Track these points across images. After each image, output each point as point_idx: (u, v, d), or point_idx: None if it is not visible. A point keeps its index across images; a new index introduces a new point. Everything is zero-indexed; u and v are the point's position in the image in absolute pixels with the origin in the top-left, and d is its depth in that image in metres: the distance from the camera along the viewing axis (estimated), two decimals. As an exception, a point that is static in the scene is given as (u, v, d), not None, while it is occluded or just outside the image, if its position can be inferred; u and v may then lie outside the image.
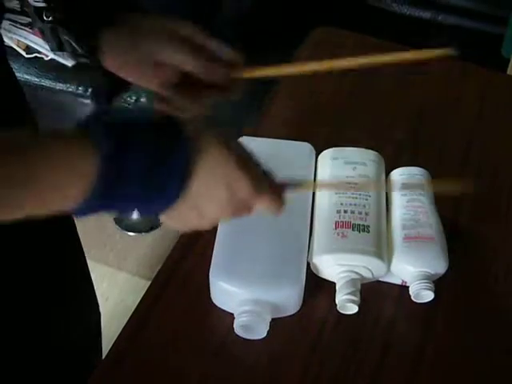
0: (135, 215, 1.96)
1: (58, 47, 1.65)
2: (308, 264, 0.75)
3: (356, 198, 0.78)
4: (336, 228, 0.75)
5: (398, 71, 1.09)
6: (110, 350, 0.73)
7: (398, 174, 0.84)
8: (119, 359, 0.72)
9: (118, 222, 1.94)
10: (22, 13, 1.70)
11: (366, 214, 0.76)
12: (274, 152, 0.85)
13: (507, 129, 1.00)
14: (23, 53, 1.67)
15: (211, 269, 0.73)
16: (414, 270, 0.75)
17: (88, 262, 0.99)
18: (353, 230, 0.75)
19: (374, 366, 0.72)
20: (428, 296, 0.74)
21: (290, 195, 0.64)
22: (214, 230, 0.77)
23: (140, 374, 0.71)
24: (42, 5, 1.60)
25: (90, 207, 0.52)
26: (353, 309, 0.72)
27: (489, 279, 0.81)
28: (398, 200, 0.81)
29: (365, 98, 1.04)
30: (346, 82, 1.06)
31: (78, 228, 0.94)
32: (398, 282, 0.78)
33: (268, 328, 0.71)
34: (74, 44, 1.61)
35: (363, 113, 1.01)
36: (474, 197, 0.88)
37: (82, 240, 0.96)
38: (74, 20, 0.77)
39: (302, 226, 0.78)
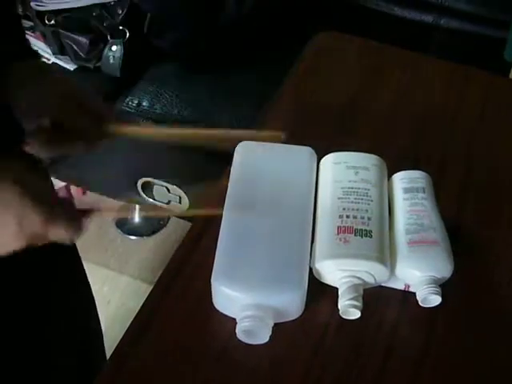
0: (137, 219, 1.97)
1: (60, 51, 1.65)
2: (310, 269, 0.75)
3: (358, 202, 0.78)
4: (338, 233, 0.75)
5: (401, 76, 1.09)
6: (111, 355, 0.73)
7: (399, 178, 0.84)
8: (121, 364, 0.72)
9: (119, 225, 1.95)
10: (24, 17, 1.70)
11: (369, 218, 0.76)
12: (275, 156, 0.86)
13: (509, 132, 1.00)
14: (25, 56, 1.67)
15: (213, 274, 0.73)
16: (420, 275, 0.75)
17: (89, 265, 1.00)
18: (355, 235, 0.75)
19: (376, 371, 0.72)
20: (435, 300, 0.74)
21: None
22: (216, 235, 0.77)
23: (142, 378, 0.71)
24: (44, 9, 1.60)
25: None
26: (355, 314, 0.72)
27: (492, 283, 0.81)
28: (401, 204, 0.81)
29: (367, 102, 1.04)
30: (348, 86, 1.06)
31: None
32: (401, 287, 0.78)
33: (270, 333, 0.71)
34: (75, 47, 1.61)
35: (365, 117, 1.01)
36: (477, 200, 0.89)
37: (83, 244, 0.95)
38: None
39: (305, 230, 0.78)
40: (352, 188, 0.80)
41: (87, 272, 1.02)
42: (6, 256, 0.70)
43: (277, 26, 1.70)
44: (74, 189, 1.94)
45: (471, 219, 0.87)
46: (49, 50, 1.66)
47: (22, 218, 0.60)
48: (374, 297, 0.76)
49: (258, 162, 0.85)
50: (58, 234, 0.64)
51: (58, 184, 1.82)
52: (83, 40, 1.60)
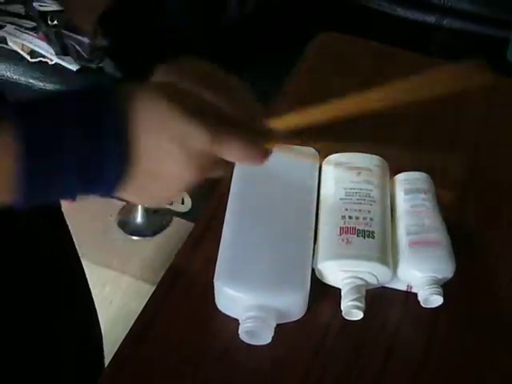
0: (139, 219, 1.97)
1: (63, 51, 1.65)
2: (313, 270, 0.75)
3: (361, 203, 0.78)
4: (340, 234, 0.75)
5: (403, 77, 1.09)
6: (114, 355, 0.73)
7: (401, 180, 0.84)
8: (123, 364, 0.72)
9: (121, 225, 1.95)
10: (27, 17, 1.71)
11: (371, 219, 0.76)
12: (277, 157, 0.85)
13: (512, 133, 1.00)
14: (28, 57, 1.67)
15: (216, 274, 0.73)
16: (421, 276, 0.75)
17: (91, 265, 1.00)
18: (357, 235, 0.75)
19: (378, 372, 0.72)
20: (437, 301, 0.74)
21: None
22: (219, 235, 0.77)
23: (144, 378, 0.71)
24: (47, 9, 1.61)
25: (23, 202, 0.48)
26: (358, 315, 0.72)
27: (493, 283, 0.81)
28: (403, 205, 0.81)
29: (370, 103, 1.04)
30: (349, 87, 1.05)
31: (81, 231, 0.94)
32: (403, 287, 0.78)
33: (273, 334, 0.71)
34: (77, 48, 1.61)
35: (367, 118, 1.01)
36: (478, 201, 0.89)
37: (85, 243, 0.96)
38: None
39: (307, 231, 0.78)
40: (354, 189, 0.80)
41: (89, 272, 1.02)
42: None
43: (278, 26, 1.70)
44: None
45: (472, 220, 0.87)
46: (51, 51, 1.66)
47: (185, 137, 0.49)
48: (376, 298, 0.76)
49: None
50: (233, 153, 0.52)
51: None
52: (86, 40, 1.60)
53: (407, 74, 1.09)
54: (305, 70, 1.10)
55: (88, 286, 1.00)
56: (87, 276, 1.00)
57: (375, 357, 0.73)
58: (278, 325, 0.71)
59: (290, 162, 0.85)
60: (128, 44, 0.77)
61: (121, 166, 0.49)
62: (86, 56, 1.61)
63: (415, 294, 0.76)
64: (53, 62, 1.67)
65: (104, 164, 0.48)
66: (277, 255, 0.75)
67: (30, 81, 1.66)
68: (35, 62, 1.67)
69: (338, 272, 0.74)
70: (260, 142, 0.55)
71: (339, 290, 0.74)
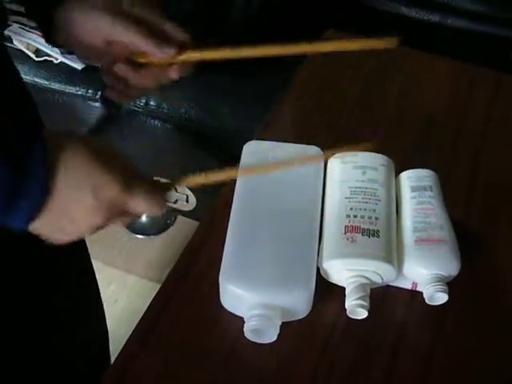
0: (144, 218, 1.97)
1: (68, 50, 1.65)
2: (318, 268, 0.75)
3: (366, 202, 0.78)
4: (345, 233, 0.75)
5: (408, 74, 1.09)
6: (119, 354, 0.73)
7: (406, 177, 0.84)
8: (129, 363, 0.72)
9: (126, 224, 1.95)
10: (32, 16, 1.71)
11: (376, 218, 0.76)
12: (282, 155, 0.86)
13: (517, 131, 1.00)
14: (33, 56, 1.68)
15: (221, 273, 0.73)
16: (427, 273, 0.75)
17: (96, 264, 1.00)
18: (362, 234, 0.75)
19: (384, 370, 0.72)
20: (442, 298, 0.74)
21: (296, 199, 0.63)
22: (224, 234, 0.77)
23: (149, 377, 0.71)
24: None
25: None
26: (363, 314, 0.72)
27: (499, 282, 0.81)
28: (408, 203, 0.81)
29: (374, 101, 1.04)
30: (355, 86, 1.06)
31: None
32: (408, 286, 0.78)
33: (278, 332, 0.71)
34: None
35: (373, 117, 1.01)
36: (484, 199, 0.89)
37: (90, 242, 0.96)
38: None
39: (312, 230, 0.78)
40: (360, 188, 0.80)
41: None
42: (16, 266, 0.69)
43: (284, 25, 1.70)
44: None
45: (478, 218, 0.87)
46: (56, 50, 1.66)
47: (98, 188, 0.56)
48: (381, 296, 0.76)
49: (266, 161, 0.85)
50: (138, 205, 0.60)
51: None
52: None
53: (412, 72, 1.10)
54: (309, 69, 1.10)
55: (96, 282, 1.01)
56: (93, 275, 1.00)
57: (381, 355, 0.73)
58: (283, 323, 0.71)
59: (294, 160, 0.85)
60: None
61: (37, 201, 0.54)
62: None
63: (420, 293, 0.76)
64: (58, 61, 1.67)
65: (23, 197, 0.53)
66: (282, 254, 0.75)
67: (36, 80, 1.66)
68: (40, 61, 1.67)
69: (342, 271, 0.74)
70: (161, 195, 0.62)
71: (344, 288, 0.75)
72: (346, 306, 0.73)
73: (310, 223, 0.78)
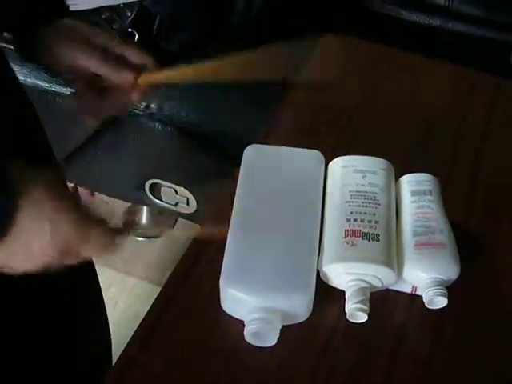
0: (144, 220, 1.97)
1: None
2: (318, 272, 0.75)
3: (366, 206, 0.78)
4: (345, 236, 0.75)
5: (408, 79, 1.09)
6: (119, 357, 0.73)
7: (407, 181, 0.84)
8: (129, 365, 0.72)
9: (126, 226, 1.95)
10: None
11: (376, 222, 0.77)
12: (283, 160, 0.86)
13: (517, 136, 1.00)
14: (33, 58, 1.67)
15: (221, 276, 0.73)
16: (426, 277, 0.75)
17: (96, 266, 1.00)
18: (362, 238, 0.75)
19: (384, 373, 0.72)
20: (442, 302, 0.74)
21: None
22: (225, 237, 0.78)
23: (149, 380, 0.71)
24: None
25: None
26: (362, 317, 0.73)
27: (499, 286, 0.81)
28: (408, 207, 0.81)
29: (375, 105, 1.04)
30: (356, 90, 1.06)
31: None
32: (408, 290, 0.78)
33: (278, 335, 0.71)
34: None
35: (373, 121, 1.02)
36: (484, 203, 0.89)
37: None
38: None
39: (312, 233, 0.78)
40: (360, 192, 0.80)
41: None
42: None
43: (286, 29, 1.70)
44: (81, 190, 1.95)
45: (478, 222, 0.87)
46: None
47: (55, 227, 0.58)
48: (381, 300, 0.76)
49: (267, 165, 0.85)
50: (91, 248, 0.63)
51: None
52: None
53: (412, 76, 1.10)
54: (310, 73, 1.10)
55: (99, 283, 1.01)
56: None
57: (381, 358, 0.73)
58: (283, 326, 0.72)
59: (295, 165, 0.85)
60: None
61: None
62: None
63: (420, 297, 0.76)
64: (59, 64, 1.67)
65: None
66: (282, 257, 0.75)
67: (37, 82, 1.66)
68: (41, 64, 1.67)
69: (342, 274, 0.75)
70: (113, 240, 0.65)
71: (344, 292, 0.75)
72: (346, 310, 0.73)
73: (310, 227, 0.79)
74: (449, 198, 0.82)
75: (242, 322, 0.72)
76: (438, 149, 0.97)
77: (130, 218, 1.96)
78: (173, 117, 1.60)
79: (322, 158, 0.87)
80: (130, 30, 1.60)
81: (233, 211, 0.80)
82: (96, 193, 1.96)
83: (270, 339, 0.71)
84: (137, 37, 1.60)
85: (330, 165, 0.86)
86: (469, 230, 0.84)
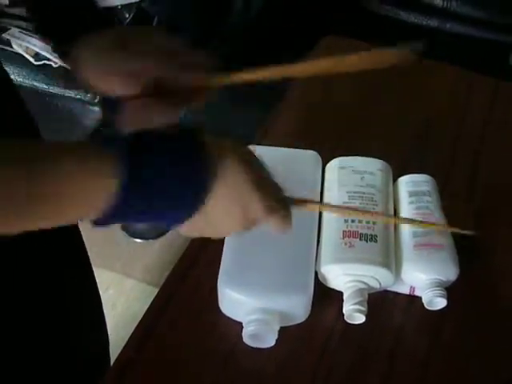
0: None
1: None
2: (316, 273, 0.75)
3: (364, 207, 0.78)
4: (343, 237, 0.75)
5: (407, 80, 1.09)
6: (117, 358, 0.73)
7: (404, 182, 0.84)
8: (126, 368, 0.72)
9: (125, 228, 1.95)
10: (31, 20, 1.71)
11: (374, 223, 0.76)
12: (281, 161, 0.86)
13: (515, 138, 1.00)
14: (32, 60, 1.68)
15: (219, 277, 0.73)
16: (425, 278, 0.75)
17: (95, 268, 1.00)
18: (360, 239, 0.75)
19: (382, 374, 0.72)
20: (441, 303, 0.74)
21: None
22: (222, 238, 0.77)
23: (147, 381, 0.71)
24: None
25: (107, 221, 0.52)
26: (360, 319, 0.73)
27: (498, 286, 0.81)
28: (406, 208, 0.81)
29: (372, 107, 1.04)
30: (354, 91, 1.06)
31: (84, 234, 0.95)
32: (406, 291, 0.78)
33: (276, 337, 0.71)
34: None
35: (371, 122, 1.02)
36: (482, 203, 0.89)
37: (89, 246, 0.96)
38: (54, 23, 0.76)
39: (310, 235, 0.78)
40: (357, 192, 0.80)
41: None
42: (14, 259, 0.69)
43: (284, 29, 1.70)
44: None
45: (476, 223, 0.87)
46: (56, 54, 1.66)
47: (248, 206, 0.58)
48: (379, 301, 0.76)
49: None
50: (275, 224, 0.62)
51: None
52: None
53: (411, 77, 1.10)
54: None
55: (96, 284, 1.01)
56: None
57: (379, 360, 0.73)
58: (281, 328, 0.72)
59: (293, 165, 0.85)
60: None
61: (198, 204, 0.55)
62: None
63: (418, 298, 0.76)
64: (57, 65, 1.67)
65: (188, 198, 0.55)
66: (280, 258, 0.75)
67: (34, 83, 1.66)
68: (39, 65, 1.67)
69: (340, 276, 0.75)
70: (291, 216, 0.64)
71: (342, 293, 0.75)
72: (344, 311, 0.73)
73: (308, 228, 0.79)
74: (447, 200, 0.82)
75: (240, 323, 0.72)
76: (436, 150, 0.97)
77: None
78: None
79: (320, 159, 0.87)
80: (128, 31, 1.60)
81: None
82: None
83: (269, 341, 0.71)
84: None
85: (327, 165, 0.86)
86: (467, 230, 0.84)
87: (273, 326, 0.70)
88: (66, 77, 1.66)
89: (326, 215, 0.80)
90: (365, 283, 0.74)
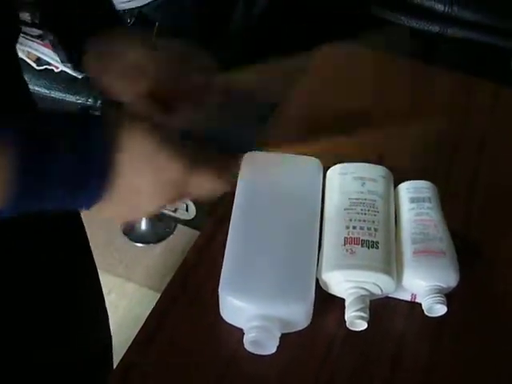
0: (143, 226, 1.97)
1: (68, 59, 1.66)
2: (317, 280, 0.75)
3: (365, 213, 0.78)
4: (345, 244, 0.75)
5: (408, 86, 1.09)
6: (119, 362, 0.73)
7: (405, 188, 0.84)
8: (129, 371, 0.72)
9: (126, 233, 1.95)
10: (33, 25, 1.72)
11: (375, 229, 0.76)
12: (281, 167, 0.86)
13: (516, 143, 1.00)
14: (34, 64, 1.68)
15: (220, 284, 0.73)
16: (425, 285, 0.75)
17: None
18: (362, 246, 0.75)
19: (384, 381, 0.72)
20: (441, 310, 0.74)
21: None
22: (224, 244, 0.78)
23: (149, 388, 0.72)
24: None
25: (9, 210, 0.51)
26: (362, 325, 0.73)
27: (498, 293, 0.81)
28: (407, 214, 0.81)
29: (373, 113, 1.04)
30: (353, 97, 1.06)
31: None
32: (407, 298, 0.78)
33: (278, 344, 0.71)
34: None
35: (372, 128, 1.01)
36: (483, 210, 0.89)
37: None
38: (65, 24, 0.77)
39: (312, 241, 0.78)
40: (359, 199, 0.80)
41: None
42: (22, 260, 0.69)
43: (285, 34, 1.70)
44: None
45: (477, 229, 0.87)
46: (57, 58, 1.67)
47: (160, 169, 0.55)
48: (380, 307, 0.76)
49: (265, 172, 0.85)
50: (201, 187, 0.59)
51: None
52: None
53: (410, 83, 1.10)
54: (309, 80, 1.10)
55: (99, 283, 1.01)
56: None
57: (381, 366, 0.73)
58: (282, 334, 0.72)
59: (294, 172, 0.85)
60: None
61: (104, 183, 0.53)
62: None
63: (419, 304, 0.76)
64: (58, 70, 1.68)
65: (89, 177, 0.53)
66: (281, 265, 0.75)
67: (36, 88, 1.66)
68: (41, 70, 1.68)
69: (342, 282, 0.75)
70: (226, 171, 0.61)
71: (344, 299, 0.75)
72: (346, 318, 0.73)
73: (309, 234, 0.79)
74: (448, 206, 0.82)
75: (241, 329, 0.72)
76: (437, 156, 0.97)
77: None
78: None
79: (321, 166, 0.87)
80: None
81: (231, 219, 0.80)
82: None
83: (270, 347, 0.71)
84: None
85: (328, 172, 0.86)
86: (468, 237, 0.84)
87: (274, 332, 0.70)
88: (67, 82, 1.66)
89: (327, 221, 0.80)
90: (366, 290, 0.74)
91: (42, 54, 1.68)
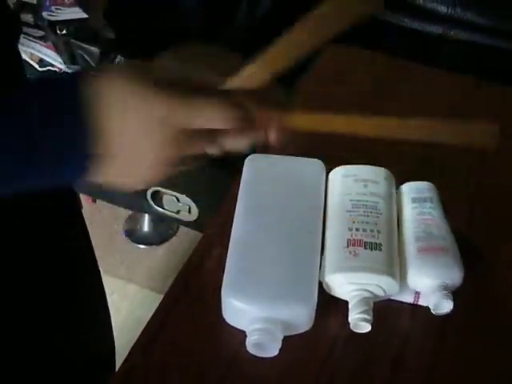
0: (146, 228, 1.97)
1: (71, 61, 1.67)
2: (320, 282, 0.75)
3: (368, 215, 0.78)
4: (348, 246, 0.75)
5: (410, 88, 1.09)
6: (122, 363, 0.73)
7: (407, 189, 0.84)
8: (131, 372, 0.72)
9: (128, 234, 1.95)
10: (36, 26, 1.72)
11: (378, 231, 0.76)
12: (284, 169, 0.86)
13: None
14: (36, 66, 1.68)
15: (223, 286, 0.73)
16: (431, 282, 0.75)
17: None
18: (365, 248, 0.75)
19: (385, 381, 0.72)
20: (447, 306, 0.74)
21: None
22: (226, 246, 0.78)
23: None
24: (56, 19, 1.62)
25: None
26: (366, 328, 0.72)
27: (501, 291, 0.81)
28: (409, 213, 0.81)
29: (376, 115, 1.04)
30: (356, 99, 1.06)
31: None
32: (410, 299, 0.78)
33: (280, 346, 0.71)
34: (86, 57, 1.62)
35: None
36: (485, 210, 0.89)
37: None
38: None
39: (314, 243, 0.78)
40: (361, 201, 0.80)
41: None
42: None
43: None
44: (82, 197, 1.95)
45: (479, 231, 0.87)
46: (60, 60, 1.67)
47: (149, 111, 0.49)
48: (383, 309, 0.76)
49: (268, 174, 0.85)
50: (210, 115, 0.51)
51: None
52: (94, 50, 1.61)
53: (415, 84, 1.10)
54: (312, 82, 1.11)
55: (101, 283, 1.01)
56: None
57: (383, 368, 0.73)
58: (285, 337, 0.71)
59: (296, 174, 0.85)
60: (136, 41, 0.78)
61: (86, 144, 0.49)
62: (94, 65, 1.62)
63: (422, 306, 0.76)
64: (61, 71, 1.68)
65: (68, 142, 0.49)
66: (284, 267, 0.75)
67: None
68: (44, 71, 1.68)
69: (345, 284, 0.74)
70: (243, 103, 0.53)
71: (347, 302, 0.75)
72: (350, 320, 0.73)
73: (311, 237, 0.78)
74: (449, 208, 0.82)
75: (243, 331, 0.72)
76: (439, 158, 0.97)
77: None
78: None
79: (323, 167, 0.87)
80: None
81: (234, 221, 0.80)
82: (98, 200, 1.97)
83: (272, 350, 0.71)
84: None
85: (330, 174, 0.86)
86: (472, 239, 0.84)
87: (276, 335, 0.70)
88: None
89: (330, 224, 0.80)
90: (370, 292, 0.74)
91: (45, 55, 1.68)
